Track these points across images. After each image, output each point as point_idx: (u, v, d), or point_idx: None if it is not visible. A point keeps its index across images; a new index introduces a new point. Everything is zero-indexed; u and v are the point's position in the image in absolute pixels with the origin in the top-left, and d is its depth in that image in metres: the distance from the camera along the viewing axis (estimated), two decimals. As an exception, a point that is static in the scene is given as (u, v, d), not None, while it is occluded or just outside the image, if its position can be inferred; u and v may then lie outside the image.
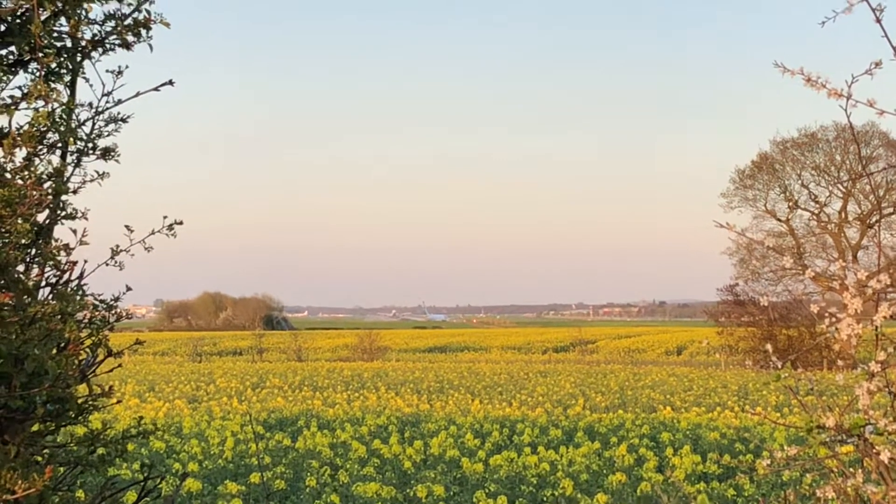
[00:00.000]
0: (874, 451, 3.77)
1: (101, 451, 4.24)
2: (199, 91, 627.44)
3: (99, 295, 4.28)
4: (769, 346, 4.43)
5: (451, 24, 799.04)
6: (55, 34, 4.22)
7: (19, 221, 3.73)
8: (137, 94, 4.50)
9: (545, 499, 16.91)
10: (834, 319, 4.02)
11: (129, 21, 4.35)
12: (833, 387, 30.41)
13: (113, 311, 4.31)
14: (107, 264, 4.32)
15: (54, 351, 3.85)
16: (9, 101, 4.02)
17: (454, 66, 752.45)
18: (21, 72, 4.21)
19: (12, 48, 4.16)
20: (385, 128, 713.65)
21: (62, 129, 4.19)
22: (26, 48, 4.10)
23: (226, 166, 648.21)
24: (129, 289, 4.37)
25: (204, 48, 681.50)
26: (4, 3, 4.03)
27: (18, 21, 4.07)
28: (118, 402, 4.52)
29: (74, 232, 4.14)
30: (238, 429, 23.22)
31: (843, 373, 4.11)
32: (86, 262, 4.22)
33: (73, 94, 4.38)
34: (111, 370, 4.47)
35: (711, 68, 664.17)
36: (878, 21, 3.74)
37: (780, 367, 4.16)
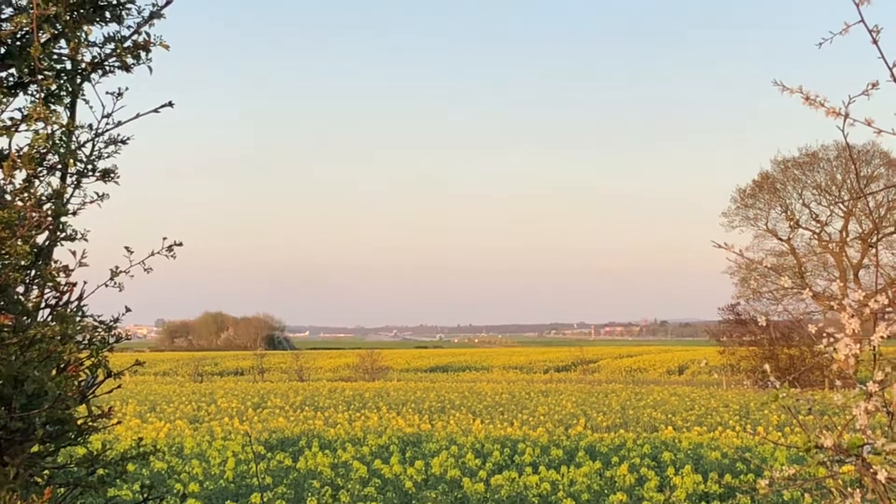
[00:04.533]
0: (871, 470, 3.77)
1: (100, 472, 4.25)
2: (199, 111, 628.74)
3: (98, 316, 4.30)
4: (767, 367, 4.44)
5: (446, 43, 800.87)
6: (55, 56, 4.24)
7: (19, 243, 3.74)
8: (137, 116, 4.52)
9: (546, 519, 16.89)
10: (832, 339, 4.03)
11: (128, 43, 4.37)
12: (834, 406, 30.28)
13: (112, 333, 4.32)
14: (106, 285, 4.34)
15: (54, 372, 3.86)
16: (9, 123, 4.03)
17: (451, 85, 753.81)
18: (21, 94, 4.23)
19: (12, 70, 4.18)
20: (384, 147, 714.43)
21: (62, 150, 4.20)
22: (26, 70, 4.12)
23: (227, 186, 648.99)
24: (128, 310, 4.39)
25: (204, 69, 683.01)
26: (4, 25, 4.05)
27: (18, 43, 4.09)
28: (118, 422, 4.53)
29: (74, 253, 4.15)
30: (239, 449, 23.19)
31: (841, 392, 4.12)
32: (85, 283, 4.24)
33: (72, 116, 4.40)
34: (111, 391, 4.48)
35: (714, 87, 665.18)
36: (875, 42, 3.75)
37: (778, 386, 4.17)
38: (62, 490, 4.24)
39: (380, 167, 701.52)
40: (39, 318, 4.06)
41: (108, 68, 4.41)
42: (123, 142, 4.51)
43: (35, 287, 4.10)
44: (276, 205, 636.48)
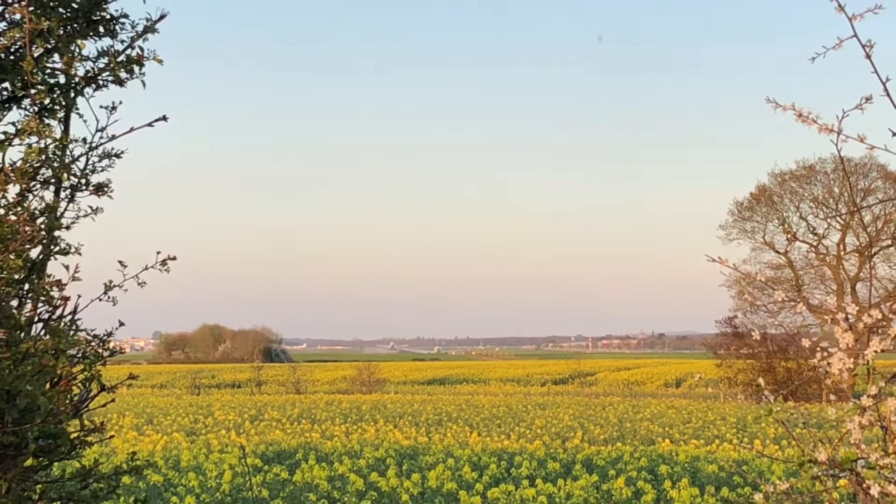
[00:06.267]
0: (865, 485, 3.77)
1: (94, 486, 4.24)
2: (197, 121, 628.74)
3: (92, 330, 4.29)
4: (761, 380, 4.44)
5: (443, 62, 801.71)
6: (48, 71, 4.25)
7: (12, 257, 3.74)
8: (132, 130, 4.52)
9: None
10: (826, 354, 4.03)
11: (122, 58, 4.37)
12: (829, 420, 30.24)
13: (106, 346, 4.31)
14: (100, 300, 4.33)
15: (47, 386, 3.86)
16: (2, 137, 4.04)
17: (452, 100, 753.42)
18: (14, 108, 4.23)
19: (6, 84, 4.18)
20: (384, 163, 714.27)
21: (55, 164, 4.20)
22: (19, 84, 4.12)
23: (224, 198, 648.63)
24: (121, 324, 4.38)
25: (203, 78, 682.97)
26: (-3, 40, 4.05)
27: (11, 58, 4.09)
28: (111, 436, 4.52)
29: (67, 268, 4.15)
30: (236, 462, 23.15)
31: (835, 406, 4.12)
32: (79, 297, 4.24)
33: (66, 130, 4.40)
34: (104, 405, 4.47)
35: (713, 99, 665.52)
36: (868, 57, 3.76)
37: (772, 400, 4.17)
38: (55, 504, 4.23)
39: (378, 181, 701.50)
40: (32, 333, 4.06)
41: (101, 82, 4.41)
42: (117, 156, 4.52)
43: (28, 301, 4.10)
44: (274, 217, 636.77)
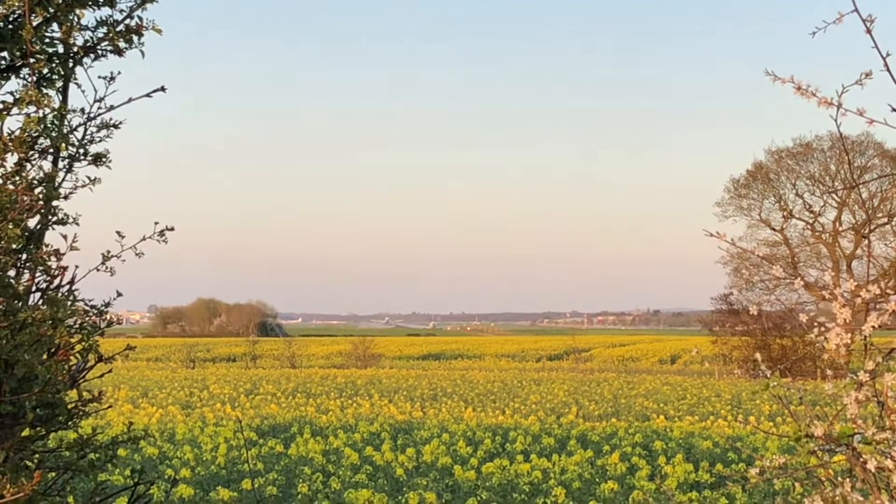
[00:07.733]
0: (861, 460, 3.78)
1: (91, 456, 4.24)
2: (197, 97, 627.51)
3: (90, 300, 4.29)
4: (759, 355, 4.44)
5: (446, 37, 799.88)
6: (47, 40, 4.23)
7: (10, 227, 3.73)
8: (130, 100, 4.51)
9: (537, 507, 16.89)
10: (823, 329, 4.02)
11: (121, 27, 4.36)
12: (826, 396, 30.24)
13: (104, 317, 4.31)
14: (98, 270, 4.32)
15: (45, 356, 3.85)
16: (0, 106, 4.02)
17: (450, 77, 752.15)
18: (13, 77, 4.21)
19: (4, 53, 4.16)
20: (380, 136, 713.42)
21: (54, 134, 4.19)
22: (18, 54, 4.11)
23: (220, 172, 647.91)
24: (119, 294, 4.38)
25: (202, 54, 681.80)
26: (-4, 8, 4.03)
27: (10, 26, 4.07)
28: (109, 407, 4.53)
29: (65, 237, 4.14)
30: (231, 435, 23.19)
31: (832, 382, 4.12)
32: (77, 267, 4.23)
33: (65, 100, 4.39)
34: (101, 375, 4.47)
35: (711, 76, 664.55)
36: (869, 32, 3.75)
37: (769, 376, 4.17)
38: (52, 474, 4.24)
39: (374, 156, 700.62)
40: (31, 302, 4.05)
41: (100, 52, 4.40)
42: (116, 126, 4.50)
43: (26, 271, 4.09)
44: (269, 192, 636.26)
